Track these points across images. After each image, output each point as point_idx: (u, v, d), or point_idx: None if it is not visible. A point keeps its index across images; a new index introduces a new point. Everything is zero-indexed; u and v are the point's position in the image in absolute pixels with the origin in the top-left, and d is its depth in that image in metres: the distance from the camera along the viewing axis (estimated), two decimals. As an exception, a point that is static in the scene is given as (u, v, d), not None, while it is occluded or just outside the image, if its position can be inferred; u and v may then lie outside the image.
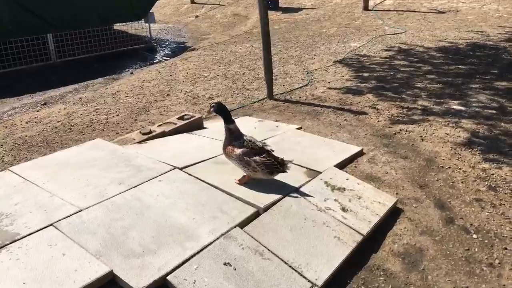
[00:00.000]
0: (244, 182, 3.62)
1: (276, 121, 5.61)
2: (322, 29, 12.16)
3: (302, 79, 7.90)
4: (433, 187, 3.92)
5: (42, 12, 9.50)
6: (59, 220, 2.96)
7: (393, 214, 3.53)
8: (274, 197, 3.38)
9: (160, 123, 5.11)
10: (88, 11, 10.25)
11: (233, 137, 3.54)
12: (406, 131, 5.12)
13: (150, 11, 11.89)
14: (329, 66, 8.46)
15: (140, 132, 4.68)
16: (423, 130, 5.13)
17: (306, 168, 3.94)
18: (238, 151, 3.46)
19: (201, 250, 2.77)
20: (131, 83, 8.67)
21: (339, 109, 6.02)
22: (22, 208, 3.10)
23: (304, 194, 3.49)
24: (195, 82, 8.38)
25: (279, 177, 3.58)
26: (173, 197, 3.31)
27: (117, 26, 12.68)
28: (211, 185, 3.54)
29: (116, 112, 6.89)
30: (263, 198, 3.36)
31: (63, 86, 9.72)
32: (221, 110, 3.57)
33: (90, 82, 9.91)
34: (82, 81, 9.85)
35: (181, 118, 5.13)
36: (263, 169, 3.42)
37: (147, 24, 11.98)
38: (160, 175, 3.63)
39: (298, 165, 3.95)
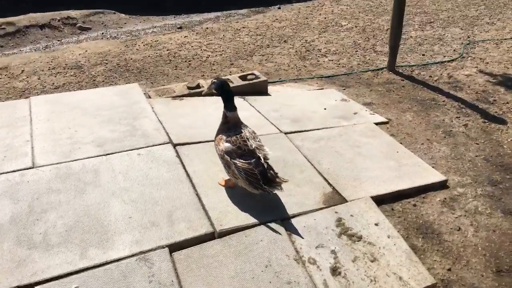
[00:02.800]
0: (229, 186, 2.79)
1: (366, 104, 4.34)
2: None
3: (454, 50, 6.04)
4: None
5: None
6: (5, 172, 2.73)
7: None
8: (246, 220, 2.50)
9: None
10: None
11: (228, 126, 2.67)
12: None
13: None
14: (506, 39, 6.23)
15: (187, 86, 4.11)
16: None
17: (332, 187, 2.84)
18: (222, 145, 2.60)
19: (99, 265, 2.19)
20: (264, 20, 8.02)
21: (469, 106, 4.33)
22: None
23: (290, 229, 2.50)
24: (325, 31, 7.26)
25: (282, 193, 2.61)
26: (132, 181, 2.73)
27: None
28: (188, 176, 2.82)
29: (223, 50, 6.42)
30: (229, 217, 2.51)
31: (207, 12, 9.64)
32: (223, 90, 2.68)
33: (233, 12, 9.58)
34: (227, 10, 9.57)
35: (244, 77, 4.33)
36: (243, 178, 2.50)
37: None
38: (145, 147, 3.06)
39: (325, 179, 2.89)
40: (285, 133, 3.48)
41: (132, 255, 2.26)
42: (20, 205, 2.48)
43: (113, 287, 2.10)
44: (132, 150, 3.02)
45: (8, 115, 3.36)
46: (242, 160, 2.49)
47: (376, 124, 3.80)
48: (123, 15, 9.18)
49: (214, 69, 5.79)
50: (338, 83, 5.07)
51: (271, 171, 2.51)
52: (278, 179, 2.48)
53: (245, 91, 4.17)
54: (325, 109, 4.00)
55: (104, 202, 2.56)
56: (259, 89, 4.26)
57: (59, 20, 8.36)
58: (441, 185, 3.09)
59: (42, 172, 2.74)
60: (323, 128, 3.62)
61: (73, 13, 8.53)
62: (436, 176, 3.09)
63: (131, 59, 6.27)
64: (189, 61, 6.13)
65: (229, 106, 2.67)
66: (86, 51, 6.59)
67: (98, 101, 3.66)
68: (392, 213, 2.83)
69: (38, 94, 5.24)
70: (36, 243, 2.27)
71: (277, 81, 5.11)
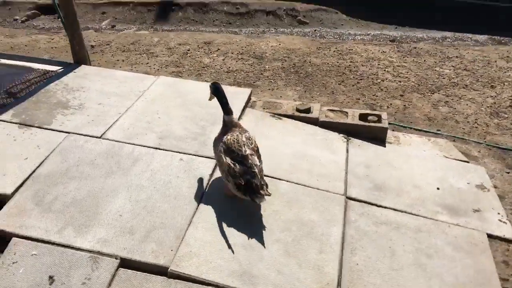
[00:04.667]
0: (226, 193, 2.72)
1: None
2: None
3: None
4: None
5: None
6: (78, 133, 3.19)
7: None
8: (206, 273, 2.23)
9: (336, 108, 3.90)
10: None
11: (226, 129, 2.70)
12: None
13: None
14: None
15: (297, 106, 3.78)
16: None
17: (334, 289, 2.22)
18: (219, 146, 2.63)
19: (61, 245, 2.36)
20: (492, 53, 6.71)
21: None
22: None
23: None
24: None
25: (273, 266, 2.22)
26: (153, 182, 2.78)
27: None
28: (201, 199, 2.67)
29: (406, 78, 5.74)
30: (194, 262, 2.29)
31: (437, 30, 8.63)
32: (217, 95, 2.70)
33: (468, 35, 8.36)
34: (463, 31, 8.41)
35: (365, 116, 3.67)
36: (228, 176, 2.53)
37: None
38: (192, 155, 3.03)
39: (340, 273, 2.29)
40: (348, 198, 2.85)
41: (90, 251, 2.35)
42: (63, 165, 2.89)
43: (55, 270, 2.26)
44: (179, 153, 3.06)
45: (131, 86, 3.88)
46: (232, 161, 2.51)
47: (492, 237, 2.69)
48: (344, 16, 9.04)
49: (377, 96, 5.18)
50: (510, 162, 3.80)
51: (258, 181, 2.43)
52: (262, 191, 2.42)
53: (358, 132, 3.58)
54: (438, 188, 3.06)
55: (115, 192, 2.71)
56: (375, 135, 3.58)
57: (284, 10, 8.90)
58: None
59: (100, 144, 3.09)
60: (405, 211, 2.80)
61: (298, 5, 8.91)
62: None
63: (310, 62, 6.20)
64: (361, 79, 5.66)
65: (224, 110, 2.71)
66: (279, 44, 6.85)
67: (202, 95, 3.80)
68: None
69: (211, 74, 5.82)
70: (43, 202, 2.62)
71: (424, 131, 4.19)
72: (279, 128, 3.50)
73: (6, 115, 3.32)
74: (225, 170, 2.54)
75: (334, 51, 6.58)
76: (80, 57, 4.17)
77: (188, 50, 6.62)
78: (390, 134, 3.98)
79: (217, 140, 2.69)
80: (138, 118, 3.41)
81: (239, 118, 3.54)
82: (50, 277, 2.25)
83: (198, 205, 2.66)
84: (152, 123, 3.37)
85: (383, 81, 5.58)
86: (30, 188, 2.70)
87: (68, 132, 3.18)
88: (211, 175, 2.89)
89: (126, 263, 2.33)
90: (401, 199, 2.92)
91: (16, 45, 6.81)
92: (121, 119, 3.38)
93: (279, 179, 2.92)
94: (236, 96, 3.79)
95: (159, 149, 3.08)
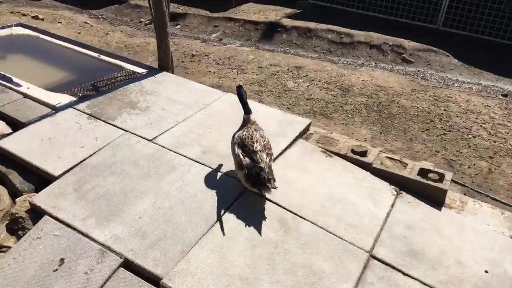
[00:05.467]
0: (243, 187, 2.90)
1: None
2: None
3: None
4: None
5: None
6: (134, 133, 3.42)
7: None
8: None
9: (396, 157, 3.58)
10: None
11: (243, 126, 3.03)
12: None
13: None
14: None
15: (352, 147, 3.56)
16: None
17: None
18: (234, 138, 2.90)
19: (82, 234, 2.55)
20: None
21: None
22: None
23: None
24: None
25: None
26: (180, 193, 2.87)
27: None
28: (220, 220, 2.66)
29: (504, 139, 5.14)
30: (188, 281, 2.29)
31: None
32: (239, 96, 3.06)
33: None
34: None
35: (424, 172, 3.31)
36: (238, 168, 2.80)
37: None
38: (223, 172, 3.03)
39: None
40: (372, 256, 2.60)
41: (101, 244, 2.50)
42: (110, 159, 3.13)
43: (68, 253, 2.45)
44: (215, 170, 3.10)
45: (197, 98, 4.06)
46: (243, 154, 2.74)
47: None
48: (456, 60, 8.36)
49: (461, 153, 4.72)
50: None
51: (266, 174, 2.63)
52: (269, 184, 2.61)
53: (412, 187, 3.25)
54: (486, 271, 2.63)
55: (143, 194, 2.85)
56: (431, 195, 3.21)
57: (389, 46, 8.57)
58: None
59: (147, 147, 3.27)
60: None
61: (406, 43, 8.50)
62: None
63: (398, 103, 5.89)
64: (449, 131, 5.20)
65: (244, 110, 3.04)
66: (371, 79, 6.62)
67: (261, 119, 3.80)
68: None
69: (290, 98, 5.85)
70: (80, 189, 2.86)
71: (502, 202, 3.66)
72: (325, 166, 3.35)
73: (82, 105, 3.72)
74: (237, 162, 2.78)
75: (430, 96, 6.13)
76: (163, 64, 4.50)
77: (277, 72, 6.72)
78: (457, 197, 3.56)
79: (234, 134, 2.96)
80: (191, 129, 3.55)
81: (287, 147, 3.47)
82: (61, 259, 2.44)
83: (213, 225, 2.66)
84: (202, 136, 3.48)
85: (474, 137, 5.03)
86: (76, 174, 2.97)
87: (126, 131, 3.44)
88: (237, 199, 2.88)
89: (128, 264, 2.43)
90: (435, 273, 2.56)
91: (129, 45, 7.61)
92: (175, 127, 3.55)
93: (304, 218, 2.79)
94: (292, 125, 3.73)
95: (198, 162, 3.17)
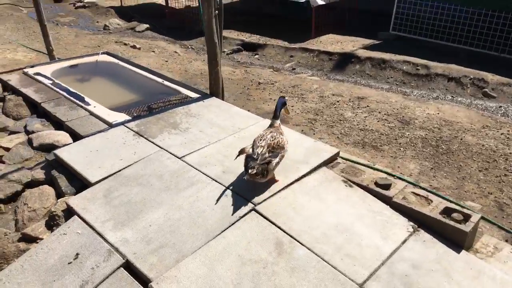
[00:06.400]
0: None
1: None
2: None
3: None
4: None
5: None
6: (167, 150, 3.75)
7: None
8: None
9: (421, 193, 3.37)
10: None
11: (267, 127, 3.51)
12: None
13: None
14: None
15: (376, 180, 3.45)
16: None
17: None
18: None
19: (97, 232, 2.91)
20: None
21: None
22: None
23: None
24: None
25: None
26: (190, 208, 3.10)
27: None
28: (223, 235, 2.82)
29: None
30: None
31: None
32: (279, 103, 3.56)
33: None
34: None
35: (448, 212, 3.08)
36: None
37: None
38: (236, 193, 3.18)
39: None
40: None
41: (111, 245, 2.82)
42: (140, 172, 3.49)
43: (83, 250, 2.81)
44: (228, 189, 3.28)
45: (234, 123, 4.30)
46: (251, 148, 3.23)
47: None
48: (548, 96, 7.52)
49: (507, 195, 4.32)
50: None
51: (253, 163, 3.07)
52: (250, 170, 3.05)
53: (430, 226, 3.05)
54: None
55: (159, 205, 3.13)
56: (450, 235, 2.97)
57: (470, 79, 8.04)
58: None
59: (175, 164, 3.58)
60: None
61: (490, 77, 7.90)
62: None
63: (462, 139, 5.57)
64: None
65: (274, 115, 3.54)
66: (438, 113, 6.33)
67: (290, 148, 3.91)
68: None
69: (343, 128, 5.85)
70: (109, 196, 3.24)
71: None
72: (341, 195, 3.33)
73: (132, 124, 4.20)
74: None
75: (502, 134, 5.65)
76: (213, 91, 4.87)
77: (337, 102, 6.75)
78: (493, 242, 3.27)
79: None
80: (219, 151, 3.80)
81: (307, 174, 3.52)
82: (77, 254, 2.81)
83: (211, 240, 2.83)
84: (227, 157, 3.70)
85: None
86: (109, 182, 3.38)
87: (161, 148, 3.81)
88: (242, 217, 3.01)
89: (129, 266, 2.70)
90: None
91: (205, 72, 8.20)
92: (206, 148, 3.83)
93: (301, 243, 2.82)
94: (318, 153, 3.77)
95: (215, 181, 3.38)
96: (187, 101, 4.77)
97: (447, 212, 3.17)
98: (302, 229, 2.94)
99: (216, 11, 4.50)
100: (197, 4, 11.89)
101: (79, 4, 14.88)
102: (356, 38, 10.36)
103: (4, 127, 4.41)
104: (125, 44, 10.51)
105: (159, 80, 5.42)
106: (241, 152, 3.22)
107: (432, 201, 3.30)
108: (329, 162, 3.75)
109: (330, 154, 3.77)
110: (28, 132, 4.27)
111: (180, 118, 4.35)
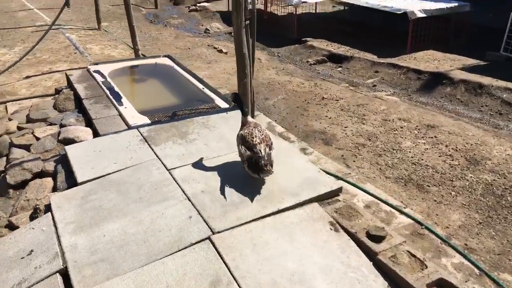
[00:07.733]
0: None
1: None
2: None
3: None
4: None
5: None
6: (161, 161, 3.66)
7: None
8: None
9: (419, 255, 2.70)
10: None
11: (242, 126, 3.53)
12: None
13: None
14: None
15: (369, 230, 2.87)
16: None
17: None
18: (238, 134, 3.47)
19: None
20: None
21: None
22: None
23: None
24: None
25: None
26: (158, 222, 2.95)
27: None
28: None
29: None
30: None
31: None
32: (235, 100, 3.66)
33: None
34: None
35: (441, 284, 2.38)
36: (242, 160, 3.38)
37: None
38: (202, 221, 2.94)
39: None
40: None
41: (61, 249, 2.83)
42: (126, 178, 3.50)
43: (36, 248, 2.88)
44: (196, 210, 3.06)
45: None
46: (245, 149, 3.29)
47: None
48: None
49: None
50: None
51: (264, 161, 3.17)
52: (266, 168, 3.17)
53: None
54: None
55: (123, 216, 3.08)
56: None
57: None
58: None
59: (161, 175, 3.51)
60: None
61: None
62: None
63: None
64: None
65: (242, 113, 3.58)
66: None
67: (283, 170, 3.50)
68: None
69: (392, 159, 5.21)
70: (86, 198, 3.29)
71: None
72: (317, 240, 2.87)
73: (145, 129, 4.24)
74: (240, 156, 3.37)
75: None
76: (241, 103, 4.67)
77: (401, 128, 6.02)
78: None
79: (237, 135, 3.46)
80: (211, 167, 3.60)
81: (290, 208, 3.13)
82: (31, 251, 2.90)
83: (149, 264, 2.67)
84: (215, 175, 3.49)
85: None
86: (92, 185, 3.44)
87: (157, 157, 3.76)
88: (192, 244, 2.78)
89: (66, 273, 2.68)
90: None
91: (272, 82, 8.05)
92: (200, 162, 3.66)
93: (240, 286, 2.48)
94: (314, 185, 3.35)
95: (189, 199, 3.21)
96: (211, 111, 4.67)
97: (439, 284, 2.51)
98: (250, 270, 2.60)
99: (247, 21, 4.30)
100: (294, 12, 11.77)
101: (192, 7, 15.87)
102: (458, 57, 9.16)
103: (46, 117, 4.81)
104: (214, 48, 10.86)
105: (200, 86, 5.41)
106: (243, 159, 3.30)
107: (426, 267, 2.65)
108: (325, 198, 3.29)
109: (329, 189, 3.30)
110: (61, 125, 4.59)
111: (193, 128, 4.25)
